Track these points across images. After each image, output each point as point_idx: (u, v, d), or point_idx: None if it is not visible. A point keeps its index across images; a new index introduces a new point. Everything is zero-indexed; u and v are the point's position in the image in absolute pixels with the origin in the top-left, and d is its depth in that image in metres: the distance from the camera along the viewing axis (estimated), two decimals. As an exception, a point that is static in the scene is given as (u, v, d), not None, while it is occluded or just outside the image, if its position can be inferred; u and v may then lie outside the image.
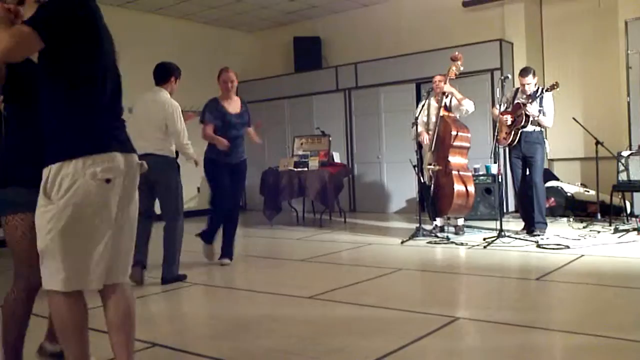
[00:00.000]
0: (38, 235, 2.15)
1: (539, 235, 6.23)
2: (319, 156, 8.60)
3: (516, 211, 8.41)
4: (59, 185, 2.11)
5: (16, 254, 2.40)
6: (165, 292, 4.54)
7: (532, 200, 6.34)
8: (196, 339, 3.34)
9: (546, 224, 6.45)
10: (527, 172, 6.45)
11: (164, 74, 4.92)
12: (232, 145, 5.33)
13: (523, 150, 6.37)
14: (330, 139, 8.97)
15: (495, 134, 6.37)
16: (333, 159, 8.79)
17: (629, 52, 7.48)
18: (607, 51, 8.21)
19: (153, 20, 10.06)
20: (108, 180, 2.16)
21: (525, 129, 6.30)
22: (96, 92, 2.22)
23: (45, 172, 2.13)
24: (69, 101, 2.19)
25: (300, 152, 8.83)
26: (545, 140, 6.48)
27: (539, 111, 6.29)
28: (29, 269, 2.36)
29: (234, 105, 5.50)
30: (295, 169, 8.41)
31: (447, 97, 6.63)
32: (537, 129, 6.37)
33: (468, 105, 6.61)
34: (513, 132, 6.34)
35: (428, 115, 6.81)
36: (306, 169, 8.38)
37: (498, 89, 6.39)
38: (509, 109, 6.44)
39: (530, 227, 6.40)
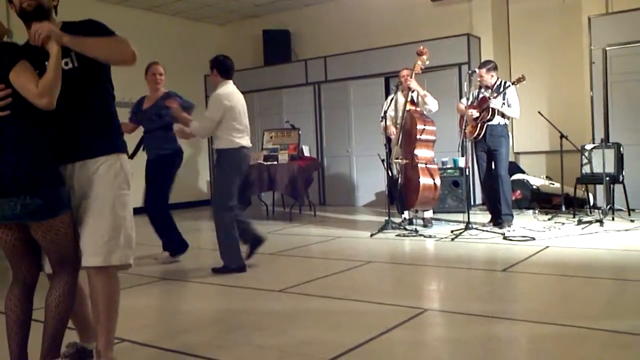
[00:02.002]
0: (118, 215, 2.47)
1: (506, 227, 6.34)
2: (289, 150, 8.59)
3: (483, 204, 8.54)
4: (128, 173, 2.56)
5: (60, 252, 2.43)
6: (132, 287, 4.49)
7: (498, 192, 6.44)
8: (165, 333, 3.31)
9: (512, 215, 6.55)
10: (493, 165, 6.54)
11: (233, 68, 5.11)
12: (145, 140, 5.41)
13: (488, 143, 6.45)
14: (300, 132, 8.97)
15: (463, 127, 6.44)
16: (303, 153, 8.79)
17: (592, 47, 7.63)
18: (572, 47, 8.38)
19: (120, 12, 9.88)
20: None
21: (490, 123, 6.38)
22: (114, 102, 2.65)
23: (114, 160, 2.51)
24: (111, 99, 2.60)
25: (270, 146, 8.80)
26: (509, 133, 6.58)
27: (503, 104, 6.38)
28: (69, 264, 2.45)
29: (151, 98, 5.50)
30: (265, 163, 8.39)
31: (413, 92, 6.68)
32: (502, 122, 6.45)
33: (432, 105, 6.66)
34: (479, 126, 6.42)
35: (395, 109, 6.85)
36: (276, 162, 8.36)
37: (465, 83, 6.47)
38: (475, 103, 6.52)
39: (497, 220, 6.50)
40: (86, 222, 2.46)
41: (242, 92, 5.16)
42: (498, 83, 6.47)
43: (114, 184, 2.49)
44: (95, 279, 2.48)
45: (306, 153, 8.92)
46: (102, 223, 2.45)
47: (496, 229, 6.22)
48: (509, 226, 6.39)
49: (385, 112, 6.76)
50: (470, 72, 6.56)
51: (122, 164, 2.55)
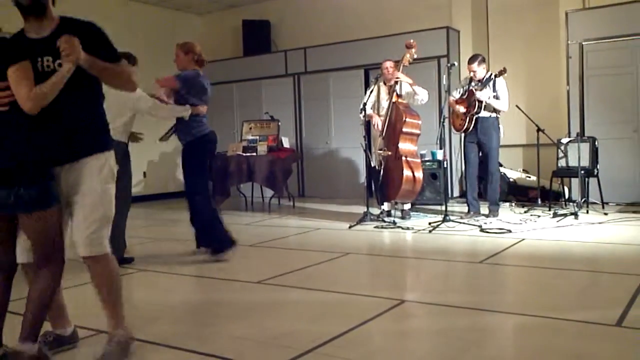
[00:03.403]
0: (107, 207, 2.63)
1: (492, 217, 6.51)
2: (268, 141, 8.56)
3: (461, 196, 8.62)
4: (113, 167, 2.70)
5: (46, 243, 2.51)
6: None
7: (485, 184, 6.60)
8: (141, 325, 3.28)
9: (499, 206, 6.72)
10: (481, 157, 6.69)
11: None
12: (176, 127, 5.26)
13: (479, 135, 6.55)
14: (280, 123, 8.93)
15: (441, 120, 6.48)
16: (282, 144, 8.76)
17: (569, 42, 7.72)
18: (549, 41, 8.46)
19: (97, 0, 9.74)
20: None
21: (480, 115, 6.45)
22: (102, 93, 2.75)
23: (101, 157, 2.63)
24: (100, 101, 2.72)
25: (249, 137, 8.76)
26: (500, 126, 6.66)
27: (493, 96, 6.47)
28: (58, 253, 2.55)
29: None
30: (244, 154, 8.35)
31: (397, 84, 6.66)
32: (493, 115, 6.55)
33: (423, 95, 6.70)
34: (468, 119, 6.49)
35: (378, 100, 6.85)
36: (255, 153, 8.33)
37: (445, 76, 6.51)
38: (464, 96, 6.59)
39: (474, 211, 6.62)
40: (77, 217, 2.59)
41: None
42: (487, 76, 6.53)
43: (100, 179, 2.62)
44: (94, 267, 2.64)
45: (285, 144, 8.90)
46: (92, 216, 2.59)
47: (473, 221, 6.28)
48: (495, 216, 6.51)
49: (365, 103, 6.73)
50: (449, 65, 6.60)
51: (107, 159, 2.67)
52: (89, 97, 2.65)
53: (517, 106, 7.23)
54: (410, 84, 6.66)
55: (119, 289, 2.71)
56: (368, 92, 6.96)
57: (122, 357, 2.62)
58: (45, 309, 2.53)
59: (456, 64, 6.70)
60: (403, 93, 6.70)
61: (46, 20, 2.52)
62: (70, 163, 2.59)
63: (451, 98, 6.69)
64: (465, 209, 6.81)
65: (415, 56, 6.64)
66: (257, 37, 10.68)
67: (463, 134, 6.72)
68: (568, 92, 7.78)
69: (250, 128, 9.01)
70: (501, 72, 6.37)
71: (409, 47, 6.61)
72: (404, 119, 6.52)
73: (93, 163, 2.62)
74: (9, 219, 2.51)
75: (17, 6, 2.47)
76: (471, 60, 6.61)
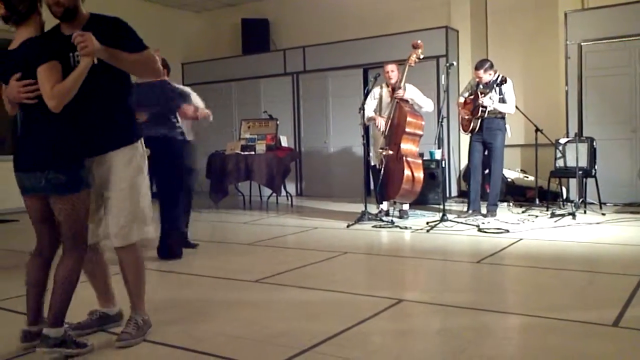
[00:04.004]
0: (135, 200, 2.82)
1: (490, 217, 6.52)
2: (266, 140, 8.56)
3: (459, 195, 8.63)
4: (141, 160, 2.87)
5: (73, 227, 2.69)
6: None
7: (489, 183, 6.67)
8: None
9: (497, 206, 6.73)
10: (486, 157, 6.73)
11: None
12: None
13: (484, 136, 6.58)
14: (278, 122, 8.93)
15: (439, 120, 6.50)
16: (280, 143, 8.76)
17: (568, 42, 7.73)
18: (548, 41, 8.47)
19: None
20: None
21: (486, 116, 6.49)
22: (131, 86, 2.94)
23: (128, 151, 2.80)
24: (128, 94, 2.89)
25: (248, 136, 8.76)
26: (506, 126, 6.67)
27: (500, 99, 6.48)
28: (78, 241, 2.71)
29: None
30: (242, 153, 8.35)
31: (399, 88, 6.63)
32: (499, 116, 6.55)
33: (427, 106, 6.79)
34: (472, 122, 6.53)
35: (380, 103, 6.84)
36: (253, 152, 8.33)
37: (443, 76, 6.52)
38: (472, 97, 6.61)
39: (475, 210, 6.64)
40: (111, 211, 2.82)
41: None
42: (494, 79, 6.54)
43: (128, 172, 2.81)
44: (121, 255, 2.89)
45: (284, 143, 8.90)
46: (122, 211, 2.81)
47: (471, 220, 6.29)
48: (493, 216, 6.51)
49: (363, 103, 6.72)
50: (448, 64, 6.60)
51: (134, 152, 2.84)
52: (113, 91, 2.81)
53: (516, 106, 7.22)
54: (411, 99, 6.66)
55: (143, 275, 2.98)
56: (370, 97, 6.89)
57: (138, 337, 2.84)
58: (68, 293, 2.67)
59: (455, 63, 6.71)
60: (408, 98, 6.68)
61: (77, 21, 2.73)
62: (100, 156, 2.78)
63: (460, 99, 6.73)
64: (463, 208, 6.81)
65: (421, 56, 6.61)
66: (256, 35, 10.68)
67: (470, 134, 6.76)
68: (566, 92, 7.79)
69: (249, 127, 9.01)
70: (502, 82, 6.41)
71: (415, 47, 6.57)
72: (408, 118, 6.51)
73: (120, 157, 2.80)
74: (45, 202, 2.70)
75: (51, 13, 2.70)
76: (478, 66, 6.60)
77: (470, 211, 6.63)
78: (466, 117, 6.62)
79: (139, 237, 2.89)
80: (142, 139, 2.95)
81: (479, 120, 6.51)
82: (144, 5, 10.62)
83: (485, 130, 6.56)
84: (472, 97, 6.64)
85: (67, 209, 2.67)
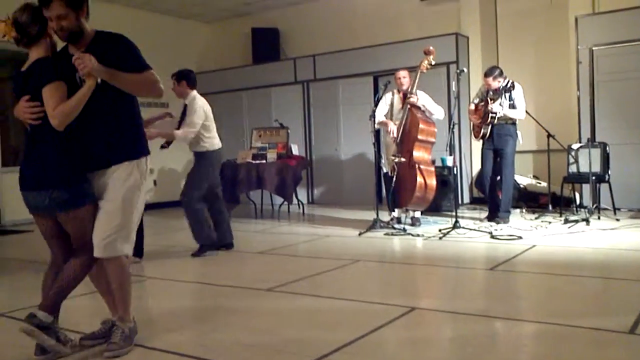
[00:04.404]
0: (126, 215, 2.82)
1: (503, 223, 6.49)
2: (277, 148, 8.58)
3: (471, 202, 8.60)
4: (146, 174, 2.91)
5: (82, 238, 2.80)
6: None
7: (500, 189, 6.65)
8: (153, 333, 3.29)
9: (510, 212, 6.73)
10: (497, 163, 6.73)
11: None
12: None
13: (495, 142, 6.60)
14: (289, 131, 8.95)
15: (451, 126, 6.50)
16: (291, 151, 8.78)
17: (579, 47, 7.68)
18: (559, 46, 8.42)
19: (107, 9, 9.81)
20: (149, 174, 2.98)
21: (496, 123, 6.51)
22: (137, 103, 2.96)
23: (129, 166, 2.84)
24: (134, 110, 2.93)
25: (259, 144, 8.78)
26: (517, 132, 6.67)
27: (510, 105, 6.50)
28: (88, 246, 2.79)
29: None
30: (254, 161, 8.37)
31: (411, 95, 6.63)
32: (509, 122, 6.56)
33: (438, 114, 6.77)
34: (483, 128, 6.54)
35: (392, 109, 6.83)
36: (264, 161, 8.35)
37: (454, 82, 6.51)
38: (482, 103, 6.63)
39: (493, 216, 6.66)
40: (98, 221, 2.82)
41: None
42: (504, 85, 6.54)
43: (125, 187, 2.83)
44: (107, 265, 2.89)
45: (295, 152, 8.91)
46: (109, 223, 2.80)
47: (485, 227, 6.26)
48: (505, 223, 6.49)
49: (374, 111, 6.70)
50: (458, 71, 6.60)
51: (134, 168, 2.87)
52: (118, 107, 2.85)
53: (526, 112, 7.20)
54: (423, 105, 6.66)
55: (127, 286, 2.95)
56: (382, 102, 6.88)
57: (126, 347, 2.85)
58: (67, 290, 2.78)
59: (465, 70, 6.70)
60: (420, 105, 6.67)
61: (83, 41, 2.79)
62: (101, 170, 2.83)
63: (471, 106, 6.74)
64: (476, 215, 6.79)
65: (433, 63, 6.61)
66: (266, 45, 10.73)
67: (482, 140, 6.77)
68: (578, 97, 7.74)
69: (260, 135, 9.03)
70: (510, 88, 6.45)
71: (427, 53, 6.58)
72: (419, 126, 6.50)
73: (120, 171, 2.83)
74: (53, 219, 2.79)
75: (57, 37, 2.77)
76: (487, 74, 6.62)
77: (488, 219, 6.71)
78: (478, 122, 6.64)
79: (120, 252, 2.86)
80: (148, 157, 2.96)
81: (490, 127, 6.53)
82: (157, 17, 10.70)
83: (495, 137, 6.57)
84: (482, 103, 6.65)
85: (75, 223, 2.77)
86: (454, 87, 6.54)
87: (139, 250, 5.28)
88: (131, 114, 2.93)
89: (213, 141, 5.54)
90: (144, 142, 2.98)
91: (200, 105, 5.45)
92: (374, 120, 6.66)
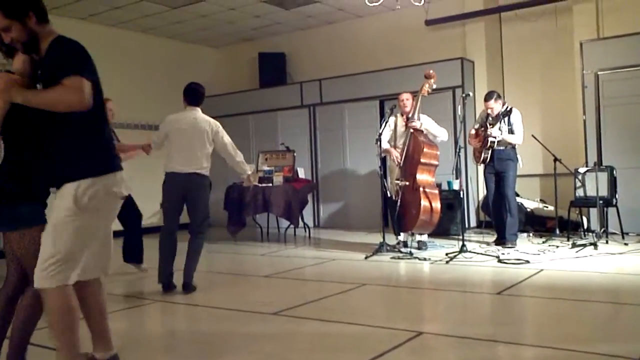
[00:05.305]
0: (58, 240, 2.47)
1: (510, 247, 6.49)
2: (284, 172, 8.60)
3: (478, 226, 8.57)
4: (87, 198, 2.51)
5: (29, 263, 2.60)
6: (126, 309, 4.46)
7: (505, 213, 6.66)
8: (158, 357, 3.28)
9: (517, 236, 6.74)
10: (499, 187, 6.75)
11: (201, 97, 5.26)
12: None
13: (496, 166, 6.64)
14: (295, 154, 8.98)
15: (457, 150, 6.52)
16: (297, 175, 8.80)
17: (584, 72, 7.71)
18: (564, 71, 8.46)
19: (116, 34, 9.96)
20: (115, 194, 2.63)
21: (496, 147, 6.58)
22: (102, 118, 2.67)
23: (71, 187, 2.51)
24: (87, 127, 2.58)
25: (265, 168, 8.80)
26: (517, 156, 6.71)
27: (509, 130, 6.56)
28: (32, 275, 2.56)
29: None
30: (260, 185, 8.38)
31: (417, 118, 6.67)
32: (509, 146, 6.61)
33: (442, 136, 6.83)
34: (483, 152, 6.59)
35: (395, 132, 6.86)
36: (270, 184, 8.36)
37: (460, 106, 6.56)
38: (482, 128, 6.68)
39: (502, 239, 6.65)
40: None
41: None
42: (502, 110, 6.62)
43: (62, 208, 2.52)
44: (43, 297, 2.56)
45: (301, 175, 8.93)
46: (43, 249, 2.53)
47: (492, 251, 6.24)
48: (513, 246, 6.48)
49: (380, 134, 6.73)
50: (464, 95, 6.64)
51: (76, 189, 2.51)
52: (64, 126, 2.55)
53: (533, 136, 7.22)
54: (426, 129, 6.69)
55: (59, 323, 2.54)
56: (384, 124, 6.93)
57: None
58: (27, 327, 2.67)
59: (471, 94, 6.75)
60: (423, 129, 6.70)
61: (41, 50, 2.58)
62: (57, 189, 2.60)
63: (471, 131, 6.79)
64: (483, 238, 6.77)
65: (434, 86, 6.68)
66: (272, 69, 10.83)
67: (483, 165, 6.80)
68: (584, 121, 7.75)
69: (266, 159, 9.07)
70: (508, 113, 6.54)
71: (428, 77, 6.65)
72: (422, 149, 6.52)
73: (64, 191, 2.54)
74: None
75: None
76: (487, 98, 6.75)
77: (496, 243, 6.72)
78: (478, 145, 6.70)
79: (58, 282, 2.49)
80: (119, 175, 2.66)
81: (490, 151, 6.60)
82: (166, 42, 10.83)
83: (496, 161, 6.65)
84: (482, 128, 6.72)
85: (23, 245, 2.62)
86: (459, 111, 6.59)
87: (136, 257, 5.85)
88: (78, 132, 2.58)
89: (167, 163, 5.08)
90: (107, 158, 2.66)
91: (165, 123, 5.19)
92: (380, 144, 6.66)
